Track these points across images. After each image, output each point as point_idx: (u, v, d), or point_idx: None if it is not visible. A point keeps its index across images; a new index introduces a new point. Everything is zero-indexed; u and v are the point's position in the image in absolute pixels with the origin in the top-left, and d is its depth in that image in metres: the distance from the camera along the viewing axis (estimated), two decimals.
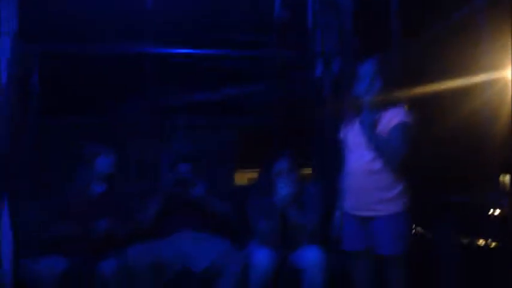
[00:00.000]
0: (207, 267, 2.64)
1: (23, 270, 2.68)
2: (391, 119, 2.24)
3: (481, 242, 3.14)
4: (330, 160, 2.88)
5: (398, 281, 2.23)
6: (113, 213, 2.81)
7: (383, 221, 2.23)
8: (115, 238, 2.71)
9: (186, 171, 2.93)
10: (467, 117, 3.41)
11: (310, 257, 2.57)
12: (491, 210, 3.21)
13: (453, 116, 3.41)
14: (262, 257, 2.58)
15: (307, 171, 3.29)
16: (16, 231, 2.92)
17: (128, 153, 3.65)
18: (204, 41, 3.56)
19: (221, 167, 4.35)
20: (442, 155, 3.27)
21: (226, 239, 2.82)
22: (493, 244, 3.18)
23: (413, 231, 3.18)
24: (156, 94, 3.88)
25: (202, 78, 3.79)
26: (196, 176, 2.94)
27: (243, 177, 5.90)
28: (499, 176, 3.68)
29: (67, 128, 3.83)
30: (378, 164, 2.23)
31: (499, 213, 3.30)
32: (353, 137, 2.35)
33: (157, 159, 3.95)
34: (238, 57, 3.67)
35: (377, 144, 2.23)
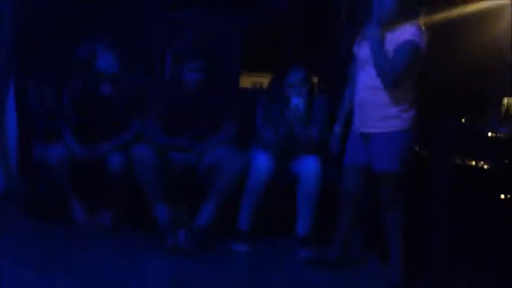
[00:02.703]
0: (209, 164, 2.75)
1: (32, 155, 2.84)
2: (400, 36, 2.20)
3: (475, 163, 3.26)
4: (339, 74, 2.85)
5: (390, 196, 2.29)
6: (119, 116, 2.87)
7: (381, 137, 2.27)
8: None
9: (195, 68, 2.86)
10: (475, 43, 3.34)
11: (308, 166, 2.66)
12: (490, 134, 3.29)
13: (462, 40, 3.34)
14: (263, 162, 2.68)
15: (316, 83, 3.27)
16: (22, 115, 3.01)
17: (133, 46, 3.54)
18: None
19: (228, 66, 4.29)
20: (449, 79, 3.26)
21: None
22: (486, 166, 3.31)
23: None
24: None
25: None
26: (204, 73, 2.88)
27: (249, 80, 5.87)
28: (501, 100, 3.71)
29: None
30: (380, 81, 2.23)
31: (497, 138, 3.38)
32: (364, 52, 2.33)
33: (164, 54, 3.87)
34: None
35: (378, 59, 2.22)
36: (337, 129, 2.56)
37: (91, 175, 2.75)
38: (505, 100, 3.72)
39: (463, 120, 3.70)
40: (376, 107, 2.28)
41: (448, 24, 3.06)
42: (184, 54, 2.95)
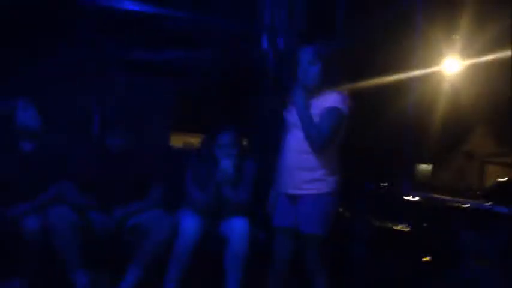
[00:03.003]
0: (133, 225, 2.65)
1: None
2: (325, 102, 2.32)
3: (394, 226, 3.42)
4: (268, 137, 2.93)
5: (316, 260, 2.33)
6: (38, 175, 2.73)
7: (308, 199, 2.33)
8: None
9: (118, 133, 2.79)
10: (397, 110, 3.64)
11: (236, 228, 2.65)
12: (406, 197, 3.49)
13: (385, 108, 3.62)
14: (191, 224, 2.63)
15: (245, 146, 3.34)
16: None
17: (59, 106, 3.45)
18: None
19: (158, 127, 4.28)
20: (371, 144, 3.47)
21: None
22: (404, 228, 3.47)
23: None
24: (95, 46, 3.69)
25: (146, 36, 3.67)
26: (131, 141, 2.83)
27: (179, 140, 5.88)
28: (415, 166, 4.00)
29: None
30: (307, 145, 2.31)
31: (413, 201, 3.59)
32: (292, 116, 2.42)
33: (91, 115, 3.80)
34: (185, 20, 3.58)
35: (305, 124, 2.31)
36: (273, 193, 2.57)
37: (2, 239, 2.51)
38: (419, 166, 4.01)
39: (383, 185, 3.91)
40: (302, 170, 2.34)
41: (370, 94, 3.31)
42: (108, 117, 2.91)
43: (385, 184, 3.97)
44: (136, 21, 3.60)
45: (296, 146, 2.37)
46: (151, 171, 2.84)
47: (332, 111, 2.29)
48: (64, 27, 3.51)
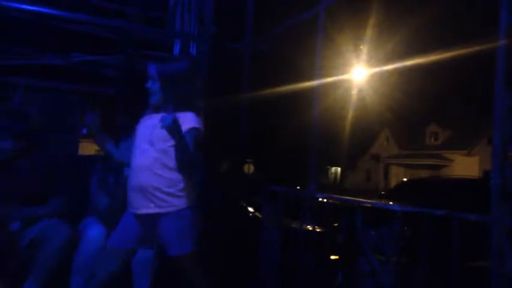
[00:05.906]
0: (29, 241, 2.50)
1: None
2: (182, 123, 2.10)
3: (305, 226, 3.54)
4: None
5: (196, 276, 2.22)
6: None
7: (167, 219, 2.17)
8: None
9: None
10: (309, 117, 3.77)
11: None
12: (315, 199, 3.62)
13: (297, 114, 3.76)
14: (95, 231, 2.57)
15: None
16: None
17: None
18: (60, 1, 3.28)
19: (66, 134, 4.09)
20: (286, 149, 3.57)
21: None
22: (315, 228, 3.62)
23: (251, 214, 3.44)
24: None
25: (52, 40, 3.50)
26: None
27: (89, 147, 5.66)
28: (327, 169, 4.18)
29: None
30: (162, 161, 2.17)
31: (322, 202, 3.74)
32: (142, 131, 2.27)
33: None
34: (94, 24, 3.45)
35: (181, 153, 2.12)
36: None
37: None
38: (330, 169, 4.20)
39: (298, 187, 4.05)
40: (156, 188, 2.16)
41: (281, 102, 3.41)
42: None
43: (298, 187, 4.12)
44: (41, 24, 3.42)
45: (149, 164, 2.18)
46: (50, 179, 2.67)
47: (193, 131, 2.16)
48: None
